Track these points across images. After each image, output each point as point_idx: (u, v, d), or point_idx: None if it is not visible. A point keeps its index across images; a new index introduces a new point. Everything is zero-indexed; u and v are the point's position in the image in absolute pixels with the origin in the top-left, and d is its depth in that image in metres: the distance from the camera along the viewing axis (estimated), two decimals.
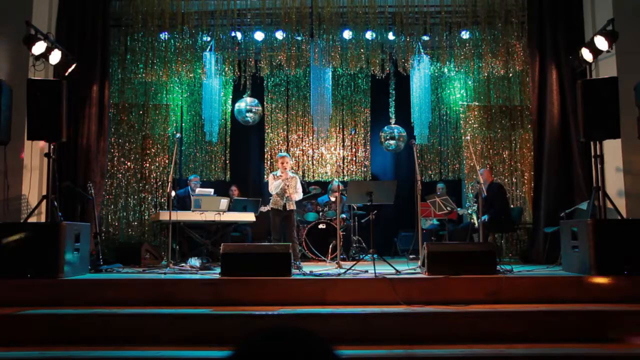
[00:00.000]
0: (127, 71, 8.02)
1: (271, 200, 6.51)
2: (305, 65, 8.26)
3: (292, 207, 6.45)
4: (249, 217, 7.36)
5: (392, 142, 9.01)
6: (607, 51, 5.91)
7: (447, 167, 9.18)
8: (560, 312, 3.97)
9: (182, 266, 6.02)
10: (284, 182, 6.32)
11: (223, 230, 7.39)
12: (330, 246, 7.63)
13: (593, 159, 5.88)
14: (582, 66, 6.46)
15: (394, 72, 8.48)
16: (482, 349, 3.53)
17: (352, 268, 5.29)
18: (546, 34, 7.02)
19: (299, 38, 7.90)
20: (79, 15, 7.05)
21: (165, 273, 5.37)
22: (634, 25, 6.18)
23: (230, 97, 8.88)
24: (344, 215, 8.17)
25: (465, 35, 7.88)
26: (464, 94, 8.86)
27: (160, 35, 7.85)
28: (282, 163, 6.40)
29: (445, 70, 8.46)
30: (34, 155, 6.32)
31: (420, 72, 8.35)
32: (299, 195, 6.52)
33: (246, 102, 8.77)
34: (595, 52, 6.03)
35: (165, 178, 8.36)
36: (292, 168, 6.75)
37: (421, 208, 6.37)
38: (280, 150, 8.82)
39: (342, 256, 6.75)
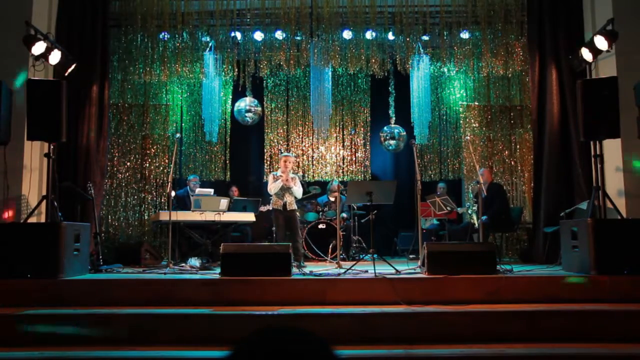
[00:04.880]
0: (127, 71, 8.02)
1: (271, 201, 6.52)
2: (305, 66, 8.26)
3: (293, 206, 6.46)
4: (249, 217, 7.36)
5: (392, 142, 9.01)
6: (607, 51, 5.91)
7: (447, 167, 9.18)
8: (560, 312, 3.97)
9: (182, 266, 6.02)
10: (284, 183, 6.33)
11: (223, 230, 7.39)
12: (330, 246, 7.63)
13: (593, 159, 5.88)
14: (582, 66, 6.46)
15: (394, 72, 8.48)
16: (482, 349, 3.53)
17: (352, 268, 5.29)
18: (546, 34, 7.02)
19: (299, 38, 7.90)
20: (78, 15, 7.04)
21: (165, 273, 5.37)
22: (634, 25, 6.18)
23: (230, 97, 8.88)
24: (344, 215, 8.17)
25: (465, 35, 7.88)
26: (464, 94, 8.87)
27: (160, 35, 7.85)
28: (285, 162, 6.40)
29: (445, 70, 8.47)
30: (34, 155, 6.31)
31: (420, 72, 8.35)
32: (299, 191, 6.51)
33: (246, 102, 8.77)
34: (595, 52, 6.02)
35: (165, 178, 8.37)
36: (292, 169, 6.77)
37: (421, 208, 6.37)
38: (281, 151, 8.83)
39: (342, 256, 6.75)
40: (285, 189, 6.39)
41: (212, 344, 3.62)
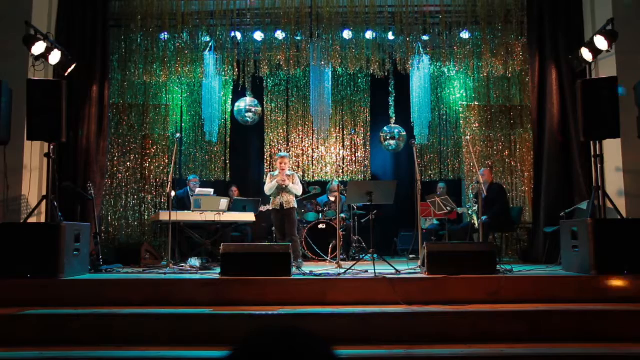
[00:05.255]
0: (127, 71, 8.02)
1: (270, 201, 6.51)
2: (305, 65, 8.26)
3: (291, 205, 6.40)
4: (249, 217, 7.36)
5: (392, 142, 9.01)
6: (607, 51, 5.91)
7: (447, 167, 9.18)
8: (560, 312, 3.97)
9: (182, 266, 6.02)
10: (279, 183, 6.31)
11: (223, 230, 7.39)
12: (330, 246, 7.63)
13: (593, 159, 5.88)
14: (582, 66, 6.46)
15: (394, 72, 8.47)
16: (482, 349, 3.53)
17: (352, 268, 5.29)
18: (546, 34, 7.02)
19: (299, 38, 7.90)
20: (78, 15, 7.05)
21: (165, 273, 5.37)
22: (634, 25, 6.18)
23: (230, 97, 8.88)
24: (343, 215, 8.17)
25: (465, 35, 7.87)
26: (464, 94, 8.87)
27: (160, 35, 7.85)
28: (281, 163, 6.38)
29: (445, 70, 8.47)
30: (34, 155, 6.31)
31: (420, 72, 8.35)
32: (298, 189, 6.44)
33: (246, 102, 8.77)
34: (595, 51, 6.02)
35: (165, 178, 8.37)
36: (290, 168, 6.73)
37: (421, 208, 6.37)
38: (280, 150, 8.82)
39: (342, 256, 6.74)
40: (282, 188, 6.35)
41: (212, 344, 3.62)
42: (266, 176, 8.96)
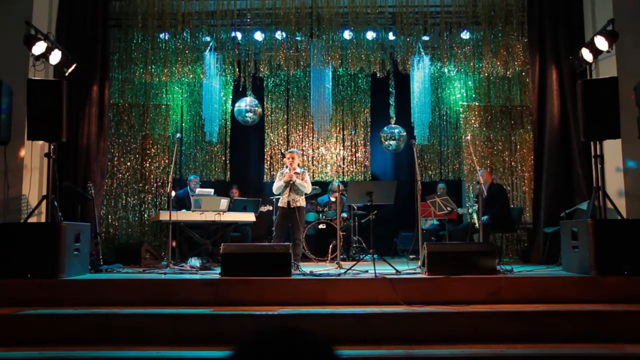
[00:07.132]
0: (127, 71, 8.02)
1: (277, 200, 6.48)
2: (305, 65, 8.27)
3: (299, 203, 6.27)
4: (249, 217, 7.36)
5: (392, 142, 9.01)
6: (607, 51, 5.91)
7: (447, 167, 9.18)
8: (560, 312, 3.97)
9: (182, 266, 6.02)
10: (285, 181, 6.24)
11: (223, 230, 7.39)
12: (330, 246, 7.63)
13: (593, 159, 5.87)
14: (582, 66, 6.46)
15: (394, 72, 8.48)
16: (482, 349, 3.53)
17: (352, 268, 5.29)
18: (546, 34, 7.02)
19: (299, 38, 7.90)
20: (79, 15, 7.04)
21: (165, 273, 5.37)
22: (634, 25, 6.18)
23: (230, 97, 8.89)
24: (344, 215, 8.17)
25: (465, 35, 7.88)
26: (464, 94, 8.87)
27: (160, 35, 7.85)
28: (289, 159, 6.32)
29: (445, 70, 8.47)
30: (34, 155, 6.31)
31: (420, 72, 8.36)
32: (306, 186, 6.34)
33: (246, 102, 8.78)
34: (595, 52, 6.02)
35: (165, 178, 8.37)
36: (299, 165, 6.68)
37: (421, 208, 6.37)
38: (282, 151, 8.81)
39: (342, 256, 6.74)
40: (290, 186, 6.27)
41: (212, 344, 3.62)
42: (266, 176, 9.03)
